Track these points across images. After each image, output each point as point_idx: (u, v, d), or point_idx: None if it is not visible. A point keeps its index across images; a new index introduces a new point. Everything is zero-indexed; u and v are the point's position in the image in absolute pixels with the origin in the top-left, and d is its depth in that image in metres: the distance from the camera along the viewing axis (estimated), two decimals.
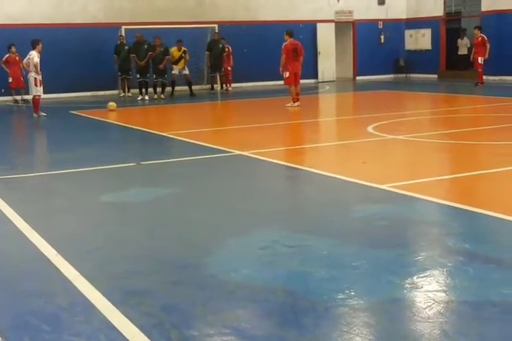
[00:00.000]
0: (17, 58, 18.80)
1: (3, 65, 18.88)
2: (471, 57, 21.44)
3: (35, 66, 14.77)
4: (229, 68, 21.79)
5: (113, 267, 4.84)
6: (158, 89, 19.76)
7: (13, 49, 18.81)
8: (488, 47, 20.80)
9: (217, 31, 21.74)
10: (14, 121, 16.67)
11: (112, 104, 16.31)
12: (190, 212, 6.47)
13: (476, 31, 21.17)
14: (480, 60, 20.81)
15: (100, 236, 5.72)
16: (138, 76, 19.84)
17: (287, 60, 15.69)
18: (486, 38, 20.90)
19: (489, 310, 3.84)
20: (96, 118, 14.85)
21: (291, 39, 15.90)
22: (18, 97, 19.32)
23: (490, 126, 11.48)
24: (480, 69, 20.95)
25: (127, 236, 5.68)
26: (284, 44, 15.88)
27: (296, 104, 15.84)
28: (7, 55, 18.83)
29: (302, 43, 16.56)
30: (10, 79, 18.93)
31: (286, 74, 15.87)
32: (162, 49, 19.50)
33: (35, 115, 15.13)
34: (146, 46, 19.74)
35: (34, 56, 14.82)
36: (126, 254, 5.13)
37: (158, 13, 22.01)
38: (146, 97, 19.50)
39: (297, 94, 15.98)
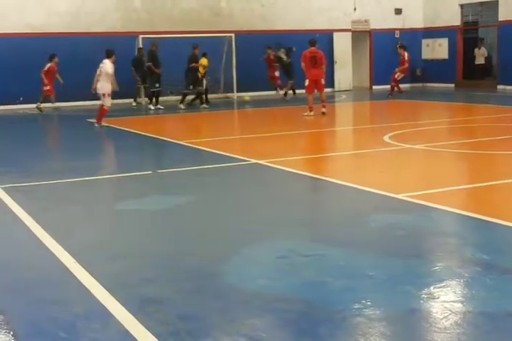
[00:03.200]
0: (56, 68, 19.08)
1: (43, 75, 19.01)
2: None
3: (108, 75, 14.55)
4: (276, 74, 22.08)
5: (130, 275, 4.85)
6: (188, 98, 19.76)
7: (56, 59, 19.04)
8: (406, 66, 21.37)
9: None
10: (32, 128, 16.77)
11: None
12: (206, 220, 6.49)
13: (401, 50, 21.72)
14: (397, 75, 21.36)
15: (118, 244, 5.75)
16: (157, 85, 19.74)
17: (306, 67, 15.92)
18: (406, 58, 21.31)
19: (507, 321, 3.82)
20: (112, 126, 14.92)
21: (312, 47, 16.18)
22: (48, 105, 19.54)
23: (507, 136, 11.41)
24: (393, 81, 21.52)
25: (144, 244, 5.70)
26: (303, 52, 16.19)
27: (312, 113, 15.88)
28: (49, 65, 19.01)
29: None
30: (47, 88, 19.13)
31: (306, 83, 16.07)
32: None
33: (96, 125, 14.85)
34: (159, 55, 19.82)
35: (108, 66, 14.63)
36: (144, 263, 5.16)
37: (175, 22, 22.17)
38: (161, 106, 19.49)
39: (323, 101, 16.15)
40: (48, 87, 19.11)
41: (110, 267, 5.07)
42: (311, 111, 15.93)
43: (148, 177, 8.85)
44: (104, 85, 14.61)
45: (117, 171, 9.12)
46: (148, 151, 11.96)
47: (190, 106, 19.64)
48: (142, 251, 5.46)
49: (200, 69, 19.51)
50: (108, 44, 20.92)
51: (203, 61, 19.65)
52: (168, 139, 12.45)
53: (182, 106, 19.40)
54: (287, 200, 7.29)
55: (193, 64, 19.26)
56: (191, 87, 19.49)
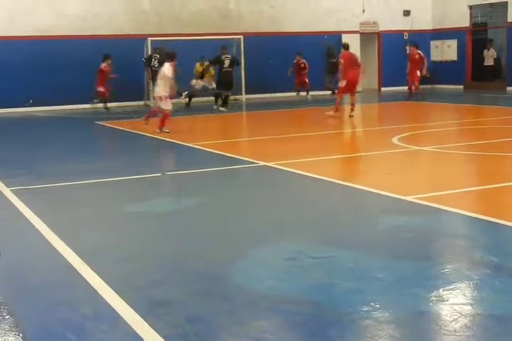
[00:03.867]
0: (109, 69, 19.47)
1: (103, 76, 19.36)
2: (407, 72, 21.35)
3: (168, 81, 13.65)
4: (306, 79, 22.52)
5: (139, 277, 4.86)
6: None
7: (109, 61, 19.43)
8: (425, 63, 21.05)
9: None
10: (42, 130, 16.81)
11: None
12: (215, 222, 6.50)
13: (413, 49, 21.36)
14: (418, 73, 20.91)
15: (126, 246, 5.76)
16: None
17: (346, 67, 15.83)
18: (422, 54, 21.04)
19: None
20: (121, 128, 14.96)
21: (345, 51, 16.36)
22: (101, 105, 19.95)
23: None
24: (417, 82, 21.08)
25: (153, 246, 5.71)
26: (342, 54, 16.36)
27: (336, 113, 15.85)
28: (103, 65, 19.37)
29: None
30: (100, 89, 19.47)
31: (343, 83, 15.97)
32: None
33: (158, 130, 13.70)
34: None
35: (166, 69, 13.67)
36: (153, 265, 5.17)
37: (184, 24, 22.21)
38: None
39: (353, 105, 16.07)
40: (101, 89, 19.45)
41: (118, 269, 5.08)
42: (337, 111, 15.86)
43: (157, 179, 8.87)
44: (161, 89, 13.82)
45: (126, 173, 9.14)
46: (157, 153, 11.98)
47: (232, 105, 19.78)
48: (150, 253, 5.47)
49: (196, 73, 19.86)
50: (117, 46, 21.07)
51: (197, 66, 20.03)
52: (177, 141, 12.46)
53: (223, 108, 19.43)
54: (296, 202, 7.29)
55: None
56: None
